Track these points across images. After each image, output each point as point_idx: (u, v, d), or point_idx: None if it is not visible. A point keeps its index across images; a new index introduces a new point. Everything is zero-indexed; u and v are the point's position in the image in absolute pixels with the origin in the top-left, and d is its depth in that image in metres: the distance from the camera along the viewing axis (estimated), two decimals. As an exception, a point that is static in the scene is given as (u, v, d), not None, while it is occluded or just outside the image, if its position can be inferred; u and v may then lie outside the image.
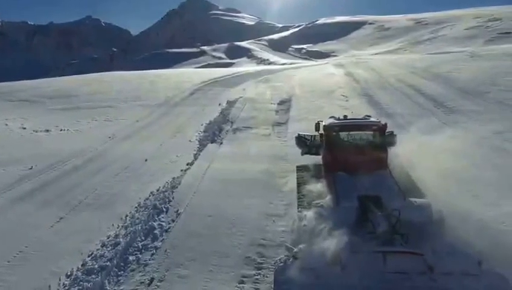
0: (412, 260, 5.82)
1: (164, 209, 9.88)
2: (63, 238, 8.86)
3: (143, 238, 8.62)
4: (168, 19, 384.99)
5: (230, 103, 25.87)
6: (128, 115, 23.50)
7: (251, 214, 9.46)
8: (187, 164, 13.79)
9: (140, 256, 7.91)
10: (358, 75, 34.43)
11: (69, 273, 7.58)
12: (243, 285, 6.86)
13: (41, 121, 21.92)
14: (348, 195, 7.48)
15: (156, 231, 8.81)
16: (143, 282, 7.05)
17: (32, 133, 19.63)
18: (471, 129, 14.67)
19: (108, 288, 7.07)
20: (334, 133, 9.39)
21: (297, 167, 11.16)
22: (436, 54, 47.19)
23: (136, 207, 10.38)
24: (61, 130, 20.15)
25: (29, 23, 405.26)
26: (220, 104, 25.73)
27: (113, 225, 9.48)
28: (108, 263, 7.75)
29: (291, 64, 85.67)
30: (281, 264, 6.51)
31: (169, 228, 8.93)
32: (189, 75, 45.13)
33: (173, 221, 9.27)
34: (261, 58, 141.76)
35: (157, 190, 11.40)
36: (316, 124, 10.44)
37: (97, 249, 8.41)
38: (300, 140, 12.11)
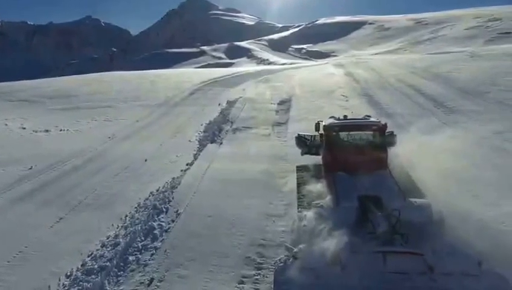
0: (412, 260, 5.82)
1: (164, 210, 9.87)
2: (62, 239, 8.86)
3: (143, 238, 8.62)
4: (167, 18, 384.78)
5: (230, 103, 25.86)
6: (128, 115, 23.49)
7: (251, 214, 9.45)
8: (187, 164, 13.78)
9: (140, 256, 7.90)
10: (358, 75, 34.43)
11: (68, 273, 7.57)
12: (243, 285, 6.85)
13: (41, 121, 21.91)
14: (348, 195, 7.47)
15: (155, 231, 8.80)
16: (143, 282, 7.05)
17: (32, 133, 19.62)
18: (471, 129, 14.66)
19: (108, 288, 7.06)
20: (334, 133, 9.38)
21: (297, 167, 11.13)
22: (436, 54, 47.18)
23: (135, 207, 10.37)
24: (60, 130, 20.14)
25: (28, 23, 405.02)
26: (219, 104, 25.73)
27: (112, 225, 9.47)
28: (108, 263, 7.75)
29: (291, 64, 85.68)
30: (281, 264, 6.49)
31: (169, 228, 8.92)
32: (189, 75, 45.12)
33: (173, 221, 9.26)
34: (261, 58, 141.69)
35: (157, 190, 11.39)
36: (316, 124, 10.43)
37: (97, 250, 8.40)
38: (300, 140, 12.10)
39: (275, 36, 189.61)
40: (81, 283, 7.26)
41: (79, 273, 7.56)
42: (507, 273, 5.59)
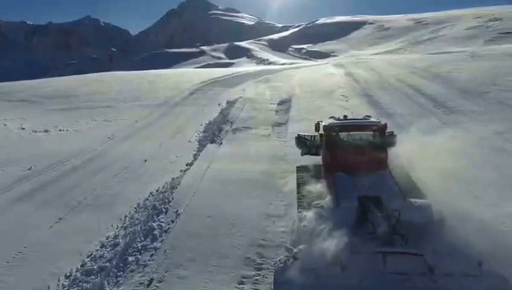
0: (412, 261, 5.81)
1: (163, 210, 9.86)
2: (62, 239, 8.84)
3: (142, 239, 8.60)
4: (167, 18, 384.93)
5: (230, 103, 25.84)
6: (127, 115, 23.47)
7: (251, 214, 9.43)
8: (186, 165, 13.77)
9: (139, 257, 7.88)
10: (358, 75, 34.43)
11: (68, 274, 7.56)
12: (243, 286, 6.84)
13: (40, 121, 21.89)
14: (348, 195, 7.46)
15: (155, 232, 8.78)
16: (142, 283, 7.03)
17: (31, 134, 19.59)
18: (471, 129, 14.61)
19: (107, 289, 7.05)
20: (334, 134, 9.37)
21: (297, 167, 11.14)
22: (436, 54, 47.21)
23: (135, 208, 10.35)
24: (60, 130, 20.11)
25: (28, 23, 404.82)
26: (219, 104, 25.71)
27: (112, 225, 9.45)
28: (107, 264, 7.73)
29: (291, 64, 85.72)
30: (281, 264, 6.44)
31: (168, 229, 8.90)
32: (188, 75, 45.12)
33: (173, 221, 9.24)
34: (260, 58, 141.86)
35: (157, 191, 11.37)
36: (316, 124, 10.42)
37: (96, 250, 8.38)
38: (300, 140, 12.09)
39: (275, 36, 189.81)
40: (80, 283, 7.24)
41: (78, 274, 7.54)
42: (507, 273, 5.57)
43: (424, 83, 26.57)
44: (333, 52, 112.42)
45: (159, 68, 67.12)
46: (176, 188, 11.27)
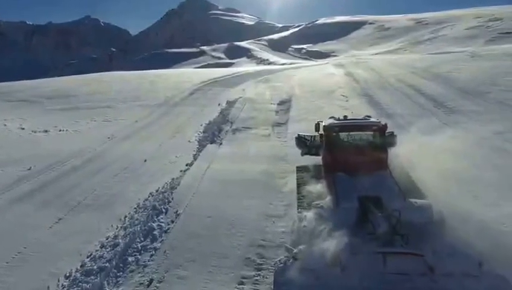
0: (412, 261, 5.81)
1: (163, 210, 9.85)
2: (61, 239, 8.83)
3: (142, 239, 8.59)
4: (167, 18, 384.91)
5: (230, 103, 25.83)
6: (127, 115, 23.46)
7: (251, 214, 9.42)
8: (186, 165, 13.76)
9: (139, 257, 7.88)
10: (358, 75, 34.42)
11: (67, 274, 7.55)
12: (243, 286, 6.83)
13: (40, 122, 21.89)
14: (348, 196, 7.44)
15: (155, 232, 8.77)
16: (142, 283, 7.02)
17: (31, 134, 19.59)
18: (471, 129, 14.61)
19: (107, 289, 7.04)
20: (334, 134, 9.36)
21: (297, 167, 11.13)
22: (436, 54, 47.17)
23: (135, 208, 10.35)
24: (60, 130, 20.11)
25: (27, 23, 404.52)
26: (219, 105, 25.71)
27: (112, 225, 9.45)
28: (107, 264, 7.73)
29: (291, 64, 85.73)
30: (281, 265, 6.45)
31: (168, 229, 8.90)
32: (188, 75, 45.12)
33: (172, 222, 9.23)
34: (260, 58, 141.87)
35: (157, 191, 11.36)
36: (316, 124, 10.41)
37: (96, 250, 8.38)
38: (300, 140, 12.07)
39: (275, 36, 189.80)
40: (80, 283, 7.24)
41: (78, 274, 7.54)
42: (508, 274, 5.57)
43: (424, 83, 26.56)
44: (333, 52, 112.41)
45: (159, 68, 67.12)
46: (176, 188, 11.26)
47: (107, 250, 8.34)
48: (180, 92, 31.66)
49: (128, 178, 12.80)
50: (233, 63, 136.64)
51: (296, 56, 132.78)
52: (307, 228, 6.89)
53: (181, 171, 13.10)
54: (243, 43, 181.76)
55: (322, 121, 10.08)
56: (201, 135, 18.37)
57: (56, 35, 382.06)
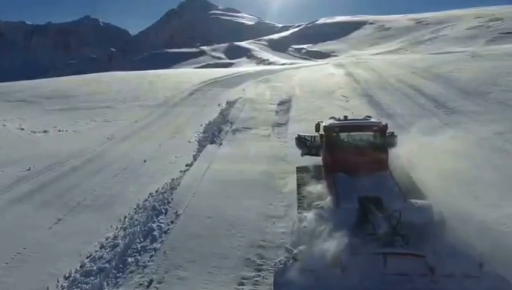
0: (412, 262, 5.79)
1: (163, 211, 9.82)
2: (61, 240, 8.81)
3: (142, 239, 8.56)
4: (167, 18, 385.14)
5: (230, 104, 25.80)
6: (127, 116, 23.43)
7: (250, 215, 9.40)
8: (186, 165, 13.73)
9: (139, 258, 7.85)
10: (358, 76, 34.41)
11: (67, 275, 7.52)
12: (243, 287, 6.80)
13: (39, 122, 21.87)
14: (348, 196, 7.43)
15: (155, 233, 8.75)
16: (142, 284, 7.00)
17: (30, 134, 19.58)
18: (472, 130, 14.60)
19: (106, 290, 7.02)
20: (334, 134, 9.34)
21: (297, 168, 11.11)
22: (437, 54, 47.12)
23: (135, 208, 10.32)
24: (59, 130, 20.09)
25: (27, 23, 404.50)
26: (219, 105, 25.68)
27: (111, 226, 9.42)
28: (106, 265, 7.70)
29: (291, 64, 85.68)
30: (281, 265, 6.47)
31: (168, 230, 8.87)
32: (188, 75, 45.09)
33: (172, 222, 9.21)
34: (260, 58, 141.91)
35: (156, 191, 11.33)
36: (316, 124, 10.40)
37: (96, 251, 8.35)
38: (300, 141, 12.05)
39: (275, 36, 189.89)
40: (79, 284, 7.21)
41: (77, 275, 7.51)
42: (508, 274, 5.55)
43: (424, 83, 26.53)
44: (333, 52, 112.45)
45: (159, 68, 67.04)
46: (176, 188, 11.23)
47: (107, 251, 8.31)
48: (180, 92, 31.63)
49: (128, 178, 12.77)
50: (233, 63, 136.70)
51: (296, 56, 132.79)
52: (307, 229, 6.87)
53: (181, 171, 13.07)
54: (243, 43, 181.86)
55: (322, 122, 10.06)
56: (201, 135, 18.35)
57: (55, 35, 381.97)
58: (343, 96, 25.81)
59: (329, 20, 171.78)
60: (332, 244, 6.03)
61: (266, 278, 6.90)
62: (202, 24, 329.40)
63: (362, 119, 9.83)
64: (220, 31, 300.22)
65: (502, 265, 5.76)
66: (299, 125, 18.31)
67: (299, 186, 9.66)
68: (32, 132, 19.95)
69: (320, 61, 78.03)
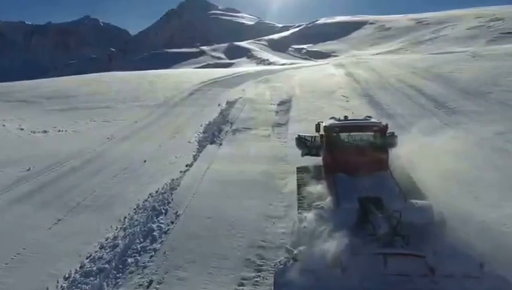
0: (413, 262, 5.78)
1: (163, 211, 9.81)
2: (61, 240, 8.79)
3: (142, 240, 8.55)
4: (167, 18, 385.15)
5: (230, 104, 25.77)
6: (126, 116, 23.42)
7: (251, 215, 9.38)
8: (186, 165, 13.72)
9: (139, 258, 7.84)
10: (358, 76, 34.39)
11: (67, 275, 7.51)
12: (243, 287, 6.79)
13: (39, 122, 21.86)
14: (348, 196, 7.42)
15: (154, 233, 8.74)
16: (141, 284, 6.98)
17: (30, 134, 19.57)
18: (472, 130, 14.59)
19: (106, 291, 7.01)
20: (334, 134, 9.32)
21: (297, 168, 11.09)
22: (437, 54, 47.10)
23: (134, 209, 10.31)
24: (59, 131, 20.08)
25: (27, 23, 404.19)
26: (219, 105, 25.65)
27: (111, 226, 9.41)
28: (106, 265, 7.68)
29: (291, 64, 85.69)
30: (281, 266, 6.46)
31: (168, 230, 8.86)
32: (188, 75, 45.08)
33: (172, 223, 9.20)
34: (260, 58, 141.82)
35: (156, 192, 11.32)
36: (316, 124, 10.39)
37: (95, 251, 8.34)
38: (301, 141, 12.03)
39: (275, 36, 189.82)
40: (79, 285, 7.20)
41: (77, 276, 7.49)
42: (509, 275, 5.54)
43: (425, 84, 26.51)
44: (334, 52, 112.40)
45: (159, 68, 67.06)
46: (176, 189, 11.22)
47: (107, 251, 8.30)
48: (180, 92, 31.61)
49: (128, 179, 12.76)
50: (233, 63, 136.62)
51: (296, 56, 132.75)
52: (307, 229, 6.85)
53: (181, 171, 13.06)
54: (243, 43, 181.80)
55: (322, 122, 10.05)
56: (201, 135, 18.33)
57: (55, 35, 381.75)
58: (344, 96, 25.79)
59: (329, 20, 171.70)
60: (332, 245, 6.02)
61: (266, 279, 6.89)
62: (202, 24, 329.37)
63: (362, 120, 9.81)
64: (220, 31, 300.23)
65: (502, 265, 5.75)
66: (299, 125, 18.29)
67: (299, 186, 9.65)
68: (31, 132, 19.94)
69: (320, 62, 78.03)
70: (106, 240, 8.78)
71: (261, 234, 8.50)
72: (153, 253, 7.95)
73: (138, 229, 8.95)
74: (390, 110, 20.31)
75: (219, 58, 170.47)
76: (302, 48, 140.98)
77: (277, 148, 15.33)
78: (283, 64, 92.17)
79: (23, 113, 24.68)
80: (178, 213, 9.62)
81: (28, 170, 13.70)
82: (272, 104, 25.60)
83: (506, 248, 6.43)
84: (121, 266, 7.64)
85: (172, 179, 12.20)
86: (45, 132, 19.89)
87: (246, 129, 18.95)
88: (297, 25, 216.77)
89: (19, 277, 7.50)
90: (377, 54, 75.85)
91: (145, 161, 14.42)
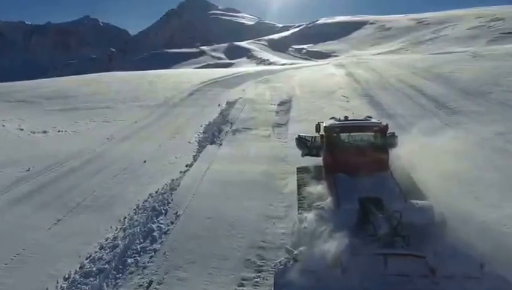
0: (413, 263, 5.77)
1: (163, 211, 9.79)
2: (60, 241, 8.78)
3: (142, 240, 8.54)
4: (167, 18, 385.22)
5: (230, 104, 25.76)
6: (126, 116, 23.42)
7: (251, 216, 9.37)
8: (186, 166, 13.70)
9: (139, 259, 7.83)
10: (359, 76, 34.39)
11: (66, 276, 7.50)
12: (243, 288, 6.78)
13: (38, 122, 21.86)
14: (348, 197, 7.41)
15: (154, 233, 8.72)
16: (141, 285, 6.97)
17: (30, 135, 19.57)
18: (473, 130, 14.57)
19: (106, 291, 7.00)
20: (334, 135, 9.31)
21: (297, 168, 11.09)
22: (438, 54, 47.15)
23: (134, 209, 10.30)
24: (58, 131, 20.08)
25: (26, 23, 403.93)
26: (219, 105, 25.64)
27: (111, 227, 9.40)
28: (106, 266, 7.67)
29: (291, 64, 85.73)
30: (281, 266, 6.45)
31: (168, 230, 8.84)
32: (188, 75, 45.09)
33: (172, 223, 9.18)
34: (261, 58, 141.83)
35: (156, 192, 11.30)
36: (317, 125, 10.38)
37: (95, 252, 8.33)
38: (301, 141, 12.03)
39: (275, 36, 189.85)
40: (79, 285, 7.20)
41: (77, 276, 7.49)
42: (510, 275, 5.53)
43: (425, 84, 26.49)
44: (334, 52, 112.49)
45: (159, 68, 67.08)
46: (176, 189, 11.20)
47: (106, 251, 8.29)
48: (180, 92, 31.61)
49: (128, 179, 12.75)
50: (233, 63, 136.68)
51: (296, 56, 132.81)
52: (308, 229, 6.84)
53: (181, 172, 13.04)
54: (243, 43, 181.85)
55: (322, 122, 10.05)
56: (201, 135, 18.32)
57: (55, 35, 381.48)
58: (344, 96, 25.78)
59: (329, 20, 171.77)
60: (332, 245, 6.01)
61: (266, 279, 6.88)
62: (202, 24, 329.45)
63: (363, 120, 9.81)
64: (220, 31, 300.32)
65: (503, 266, 5.75)
66: (299, 125, 18.26)
67: (299, 186, 9.64)
68: (31, 132, 19.94)
69: (320, 62, 78.08)
70: (106, 241, 8.76)
71: (261, 234, 8.49)
72: (153, 253, 7.93)
73: (138, 230, 8.94)
74: (391, 111, 20.29)
75: (219, 58, 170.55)
76: (302, 48, 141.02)
77: (277, 149, 15.31)
78: (283, 65, 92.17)
79: (22, 114, 24.69)
80: (178, 213, 9.61)
81: (28, 170, 13.69)
82: (272, 104, 25.58)
83: (507, 249, 6.42)
84: (120, 267, 7.63)
85: (172, 180, 12.19)
86: (45, 132, 19.88)
87: (246, 129, 18.93)
88: (297, 25, 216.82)
89: (19, 278, 7.49)
90: (378, 54, 75.94)
91: (145, 161, 14.41)
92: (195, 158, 14.63)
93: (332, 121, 9.68)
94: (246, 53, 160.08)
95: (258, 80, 38.71)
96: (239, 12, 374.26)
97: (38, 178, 12.95)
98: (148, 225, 9.09)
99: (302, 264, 5.95)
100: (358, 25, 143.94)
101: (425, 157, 9.12)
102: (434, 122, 16.71)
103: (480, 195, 8.89)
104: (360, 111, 18.30)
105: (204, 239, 8.38)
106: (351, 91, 27.60)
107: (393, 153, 9.17)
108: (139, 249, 8.17)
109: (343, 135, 9.52)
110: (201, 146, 16.40)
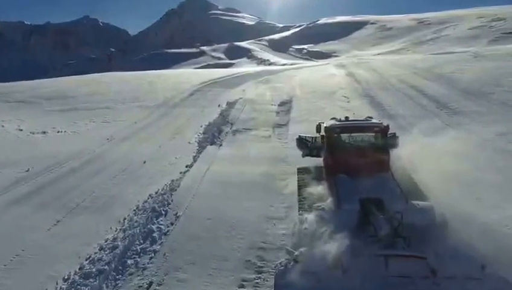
0: (414, 264, 5.78)
1: (163, 212, 9.77)
2: (60, 242, 8.77)
3: (141, 241, 8.52)
4: (167, 18, 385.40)
5: (230, 104, 25.74)
6: (126, 116, 23.40)
7: (251, 217, 9.34)
8: (186, 166, 13.68)
9: (138, 260, 7.81)
10: (359, 76, 34.35)
11: (66, 277, 7.49)
12: (243, 289, 6.76)
13: (38, 123, 21.86)
14: (349, 198, 7.40)
15: (154, 234, 8.70)
16: (141, 286, 6.96)
17: (29, 135, 19.56)
18: (474, 131, 14.55)
19: (105, 292, 6.97)
20: (335, 135, 9.30)
21: (298, 169, 11.08)
22: (439, 54, 47.07)
23: (134, 210, 10.28)
24: (58, 131, 20.07)
25: (25, 23, 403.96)
26: (219, 106, 25.61)
27: (111, 228, 9.39)
28: (106, 267, 7.66)
29: (292, 64, 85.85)
30: (282, 267, 6.43)
31: (168, 231, 8.82)
32: (188, 75, 45.08)
33: (172, 224, 9.16)
34: (261, 58, 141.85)
35: (156, 193, 11.28)
36: (317, 125, 10.39)
37: (95, 253, 8.32)
38: (301, 142, 12.03)
39: (276, 36, 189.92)
40: (78, 286, 7.19)
41: (77, 277, 7.48)
42: (511, 276, 5.53)
43: (426, 84, 26.44)
44: (335, 52, 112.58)
45: (159, 68, 67.21)
46: (176, 190, 11.18)
47: (106, 252, 8.27)
48: (180, 92, 31.60)
49: (127, 180, 12.73)
50: (234, 64, 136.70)
51: (297, 56, 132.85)
52: (308, 230, 6.85)
53: (181, 172, 13.02)
54: (243, 44, 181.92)
55: (323, 122, 10.05)
56: (201, 136, 18.29)
57: (54, 35, 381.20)
58: (344, 96, 25.75)
59: (330, 20, 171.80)
60: (333, 246, 6.01)
61: (267, 280, 6.86)
62: (202, 24, 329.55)
63: (363, 120, 9.81)
64: (220, 31, 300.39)
65: (504, 267, 5.75)
66: (300, 126, 18.25)
67: (299, 187, 9.64)
68: (31, 132, 19.93)
69: (321, 62, 78.12)
70: (106, 242, 8.75)
71: (261, 235, 8.47)
72: (153, 254, 7.91)
73: (138, 231, 8.92)
74: (392, 111, 20.27)
75: (219, 58, 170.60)
76: (303, 48, 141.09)
77: (277, 149, 15.29)
78: (284, 65, 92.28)
79: (22, 114, 24.70)
80: (178, 214, 9.58)
81: (27, 171, 13.67)
82: (272, 104, 25.56)
83: (508, 250, 6.41)
84: (120, 268, 7.61)
85: (172, 180, 12.17)
86: (44, 132, 19.87)
87: (246, 130, 18.91)
88: (298, 25, 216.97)
89: (18, 279, 7.47)
90: (378, 54, 76.04)
91: (144, 162, 14.38)
92: (195, 159, 14.61)
93: (333, 122, 9.67)
94: (246, 53, 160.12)
95: (259, 80, 38.70)
96: (239, 12, 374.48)
97: (38, 179, 12.93)
98: (148, 226, 9.07)
99: (303, 265, 5.95)
100: (359, 25, 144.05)
101: (426, 158, 9.12)
102: (435, 122, 16.68)
103: (481, 196, 8.85)
104: (361, 111, 18.27)
105: (204, 240, 8.36)
106: (351, 91, 27.58)
107: (394, 153, 9.16)
108: (139, 250, 8.15)
109: (344, 136, 9.52)
110: (201, 147, 16.38)
